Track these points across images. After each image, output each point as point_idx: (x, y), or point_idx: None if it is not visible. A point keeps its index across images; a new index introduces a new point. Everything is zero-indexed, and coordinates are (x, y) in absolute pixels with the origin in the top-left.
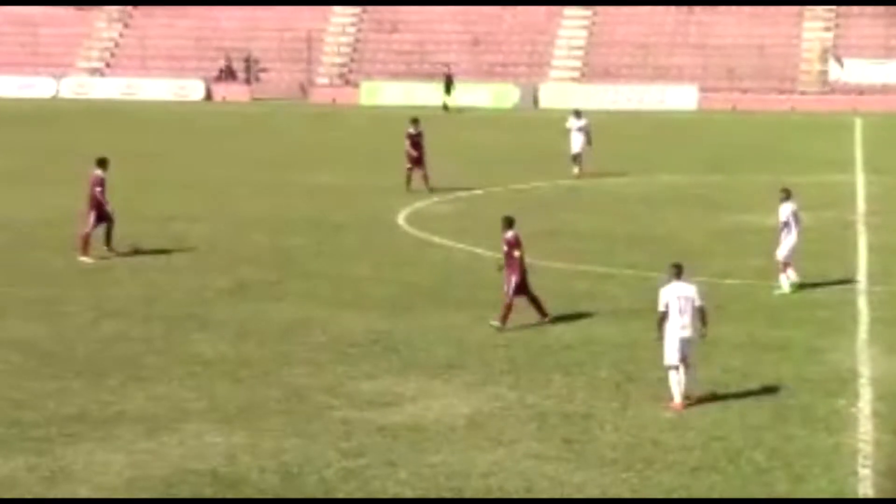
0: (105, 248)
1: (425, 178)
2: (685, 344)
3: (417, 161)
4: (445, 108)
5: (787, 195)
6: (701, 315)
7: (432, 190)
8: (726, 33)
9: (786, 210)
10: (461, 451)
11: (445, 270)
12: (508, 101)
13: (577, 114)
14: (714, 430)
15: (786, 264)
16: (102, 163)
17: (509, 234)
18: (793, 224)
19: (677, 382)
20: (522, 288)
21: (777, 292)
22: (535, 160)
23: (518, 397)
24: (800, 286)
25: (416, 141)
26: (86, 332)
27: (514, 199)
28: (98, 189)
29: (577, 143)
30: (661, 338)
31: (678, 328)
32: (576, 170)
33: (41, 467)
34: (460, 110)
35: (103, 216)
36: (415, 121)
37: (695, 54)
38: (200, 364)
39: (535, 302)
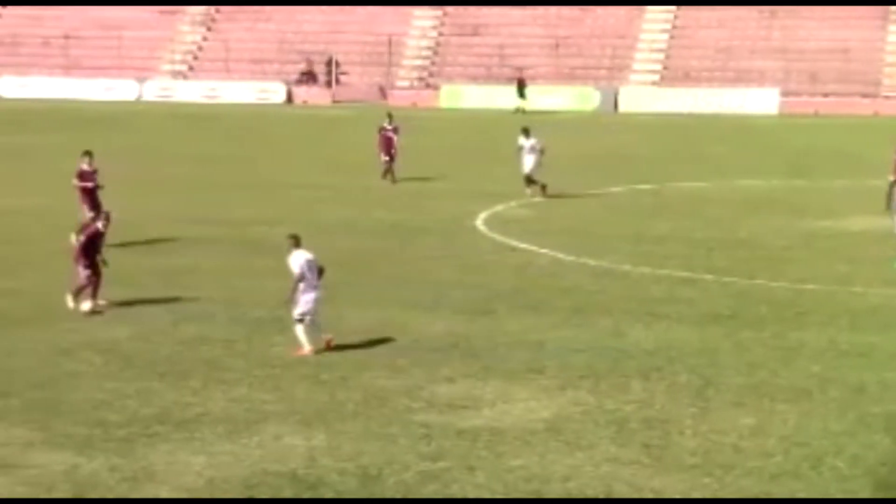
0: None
1: (392, 170)
2: (318, 301)
3: (390, 153)
4: (521, 111)
5: None
6: (320, 273)
7: (395, 182)
8: (809, 36)
9: None
10: (540, 455)
11: (525, 274)
12: (588, 104)
13: (527, 132)
14: (795, 437)
15: None
16: (87, 154)
17: None
18: None
19: (306, 332)
20: None
21: None
22: (616, 164)
23: (597, 402)
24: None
25: (388, 136)
26: (167, 334)
27: (593, 204)
28: (79, 182)
29: (528, 162)
30: (292, 299)
31: (312, 287)
32: (528, 191)
33: (123, 467)
34: (527, 112)
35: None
36: (389, 115)
37: (777, 57)
38: (281, 367)
39: None
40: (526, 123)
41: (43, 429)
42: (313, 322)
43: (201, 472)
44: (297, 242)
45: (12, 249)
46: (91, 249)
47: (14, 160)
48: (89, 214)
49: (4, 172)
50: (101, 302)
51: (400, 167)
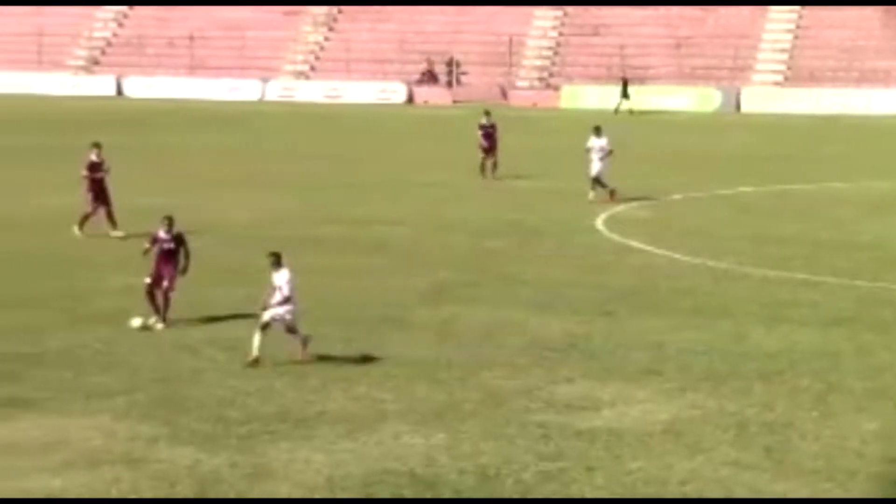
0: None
1: (494, 165)
2: (295, 314)
3: (489, 150)
4: (628, 111)
5: None
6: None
7: (498, 179)
8: None
9: None
10: (659, 457)
11: (645, 276)
12: (710, 104)
13: (598, 131)
14: None
15: None
16: (96, 146)
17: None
18: None
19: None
20: None
21: None
22: (737, 165)
23: (717, 405)
24: None
25: (488, 132)
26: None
27: (714, 205)
28: (88, 173)
29: (596, 164)
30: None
31: (293, 303)
32: (592, 195)
33: (244, 464)
34: (632, 112)
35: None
36: (487, 113)
37: None
38: (399, 365)
39: None
40: (723, 122)
41: (167, 424)
42: (292, 333)
43: (320, 470)
44: (278, 260)
45: (137, 246)
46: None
47: (144, 160)
48: (92, 205)
49: (136, 172)
50: (157, 324)
51: (514, 166)
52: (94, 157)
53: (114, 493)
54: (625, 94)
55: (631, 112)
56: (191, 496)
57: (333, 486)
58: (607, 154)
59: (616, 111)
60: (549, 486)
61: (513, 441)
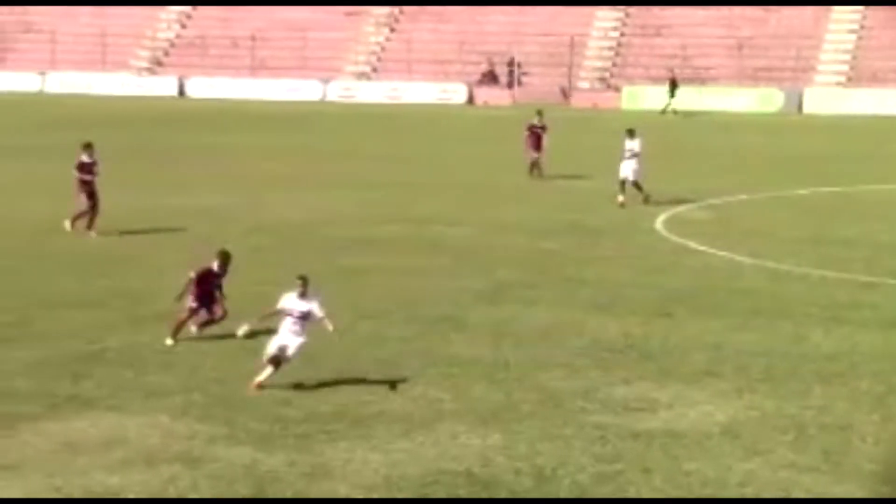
0: (70, 224)
1: (540, 166)
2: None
3: (538, 150)
4: (673, 111)
5: None
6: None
7: (542, 177)
8: None
9: None
10: (716, 459)
11: (703, 277)
12: (772, 105)
13: (632, 133)
14: None
15: None
16: (87, 147)
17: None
18: None
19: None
20: None
21: None
22: (799, 166)
23: (775, 406)
24: None
25: (537, 133)
26: (345, 332)
27: (775, 206)
28: (78, 173)
29: (628, 166)
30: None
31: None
32: (621, 197)
33: (302, 463)
34: (676, 112)
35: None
36: (539, 113)
37: None
38: (456, 365)
39: None
40: (785, 123)
41: (225, 424)
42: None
43: (377, 470)
44: (306, 286)
45: (199, 246)
46: (204, 286)
47: (204, 159)
48: (87, 203)
49: (195, 172)
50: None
51: (574, 167)
52: (85, 158)
53: (171, 492)
54: (672, 94)
55: (675, 112)
56: (248, 496)
57: (390, 486)
58: (634, 156)
59: (663, 112)
60: (605, 487)
61: (569, 442)
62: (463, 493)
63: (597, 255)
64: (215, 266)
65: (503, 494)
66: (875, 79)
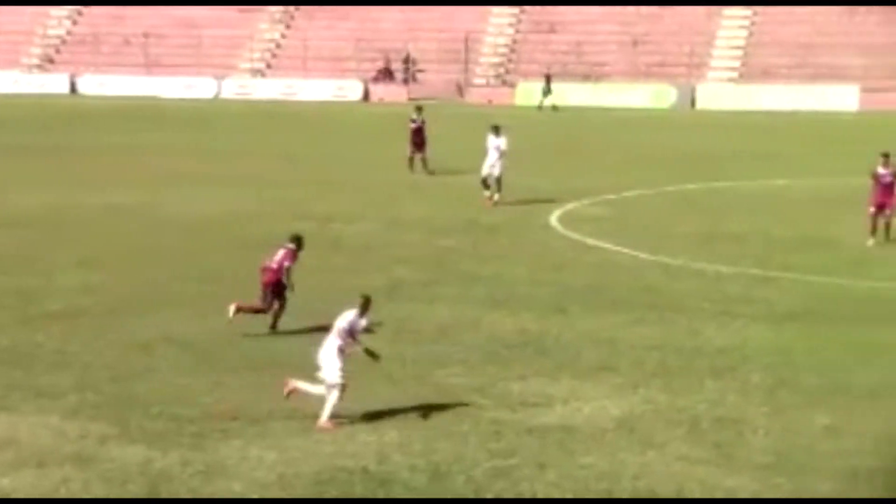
0: None
1: (424, 161)
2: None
3: (419, 146)
4: (550, 107)
5: None
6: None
7: (431, 173)
8: (888, 32)
9: None
10: (611, 454)
11: (599, 272)
12: (665, 101)
13: (497, 130)
14: (870, 437)
15: None
16: None
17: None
18: None
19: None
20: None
21: None
22: (692, 162)
23: (669, 400)
24: None
25: (418, 128)
26: (242, 329)
27: (669, 201)
28: None
29: (493, 163)
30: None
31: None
32: (486, 193)
33: (196, 462)
34: (556, 108)
35: None
36: (418, 108)
37: (856, 54)
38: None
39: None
40: (678, 119)
41: (118, 423)
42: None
43: (273, 468)
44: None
45: (97, 244)
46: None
47: (102, 157)
48: None
49: (97, 169)
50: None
51: (469, 164)
52: None
53: (63, 493)
54: (547, 90)
55: (554, 108)
56: (142, 496)
57: (285, 483)
58: (500, 153)
59: (539, 107)
60: (500, 482)
61: (465, 438)
62: (358, 491)
63: (493, 252)
64: (293, 247)
65: (399, 492)
66: (766, 75)
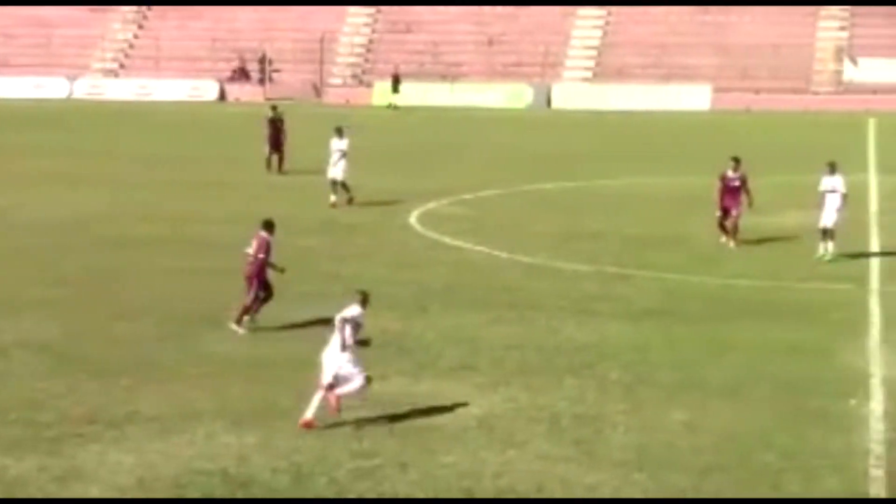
0: None
1: (280, 161)
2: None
3: (275, 146)
4: (393, 107)
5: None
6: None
7: (285, 173)
8: (741, 33)
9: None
10: (473, 452)
11: (459, 272)
12: (522, 101)
13: (340, 132)
14: (726, 431)
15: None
16: None
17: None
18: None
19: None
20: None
21: (826, 257)
22: (548, 161)
23: (529, 398)
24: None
25: (275, 127)
26: (99, 332)
27: (526, 201)
28: None
29: (339, 166)
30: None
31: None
32: (333, 198)
33: (53, 467)
34: (397, 108)
35: None
36: (273, 108)
37: (709, 54)
38: (213, 364)
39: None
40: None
41: None
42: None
43: (132, 471)
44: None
45: None
46: (264, 266)
47: None
48: None
49: None
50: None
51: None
52: None
53: None
54: (395, 90)
55: (396, 108)
56: None
57: (144, 487)
58: (343, 155)
59: (388, 106)
60: (362, 483)
61: (327, 439)
62: (219, 493)
63: (352, 252)
64: (266, 235)
65: (260, 494)
66: (621, 75)
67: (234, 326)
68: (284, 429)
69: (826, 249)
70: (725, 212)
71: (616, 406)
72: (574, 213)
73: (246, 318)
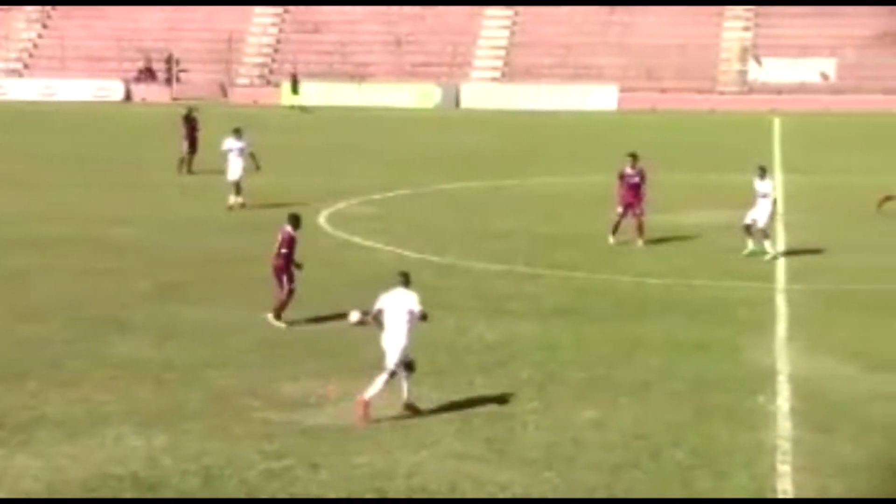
0: None
1: (190, 161)
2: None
3: (192, 145)
4: (300, 108)
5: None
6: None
7: (193, 173)
8: (647, 33)
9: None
10: (384, 452)
11: (368, 271)
12: (430, 101)
13: (238, 133)
14: (636, 429)
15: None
16: None
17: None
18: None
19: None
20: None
21: (767, 257)
22: (457, 161)
23: (440, 398)
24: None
25: (192, 125)
26: (4, 335)
27: (436, 200)
28: None
29: (236, 167)
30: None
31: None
32: (232, 199)
33: None
34: (307, 109)
35: None
36: (190, 108)
37: (615, 54)
38: (122, 367)
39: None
40: (443, 118)
41: None
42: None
43: (39, 476)
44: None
45: None
46: (290, 260)
47: None
48: None
49: None
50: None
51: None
52: None
53: None
54: (294, 91)
55: (298, 108)
56: None
57: (52, 492)
58: (242, 155)
59: (293, 108)
60: (273, 484)
61: (237, 441)
62: (129, 496)
63: (263, 253)
64: (290, 230)
65: (170, 496)
66: (529, 74)
67: (274, 322)
68: (193, 431)
69: (764, 247)
70: (627, 208)
71: (527, 405)
72: (484, 213)
73: (283, 313)
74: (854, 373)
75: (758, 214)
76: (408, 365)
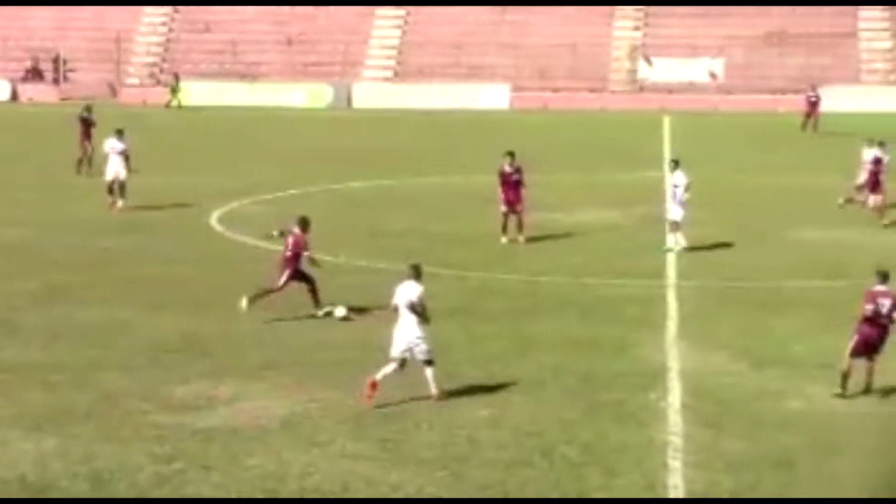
0: None
1: (89, 161)
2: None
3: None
4: (177, 106)
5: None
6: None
7: (89, 175)
8: (538, 32)
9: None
10: (276, 453)
11: (259, 271)
12: (322, 100)
13: (121, 134)
14: (528, 427)
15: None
16: None
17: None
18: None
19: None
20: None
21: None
22: (349, 160)
23: (333, 398)
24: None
25: (88, 125)
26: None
27: (328, 200)
28: None
29: (118, 167)
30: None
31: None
32: (110, 199)
33: None
34: (181, 107)
35: None
36: (88, 108)
37: (507, 54)
38: (9, 370)
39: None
40: (335, 118)
41: None
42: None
43: None
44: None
45: None
46: (297, 261)
47: None
48: None
49: None
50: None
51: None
52: None
53: None
54: (176, 89)
55: (179, 107)
56: None
57: None
58: (121, 155)
59: (168, 106)
60: (164, 487)
61: (127, 444)
62: (17, 499)
63: (154, 254)
64: (300, 232)
65: (59, 498)
66: (421, 74)
67: (244, 301)
68: (83, 434)
69: (676, 242)
70: (510, 206)
71: (421, 404)
72: (377, 212)
73: (259, 301)
74: (743, 369)
75: (672, 207)
76: (427, 361)
